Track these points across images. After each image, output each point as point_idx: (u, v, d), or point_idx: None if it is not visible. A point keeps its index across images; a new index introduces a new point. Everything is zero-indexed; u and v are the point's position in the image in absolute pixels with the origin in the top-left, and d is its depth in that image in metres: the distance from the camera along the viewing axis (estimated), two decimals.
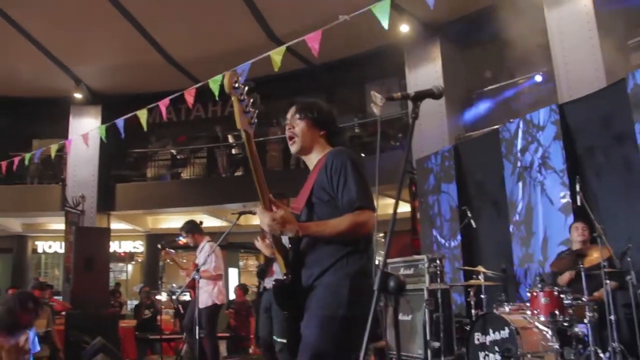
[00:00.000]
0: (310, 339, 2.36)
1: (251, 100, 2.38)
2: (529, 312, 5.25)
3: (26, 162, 9.68)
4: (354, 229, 2.39)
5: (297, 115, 2.71)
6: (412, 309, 6.52)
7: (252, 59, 6.62)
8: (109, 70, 13.26)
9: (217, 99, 6.96)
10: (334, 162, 2.52)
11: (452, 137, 10.31)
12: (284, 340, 3.36)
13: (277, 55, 6.32)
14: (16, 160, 9.57)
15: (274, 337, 4.99)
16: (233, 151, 14.55)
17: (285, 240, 2.59)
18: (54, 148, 9.18)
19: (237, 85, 2.33)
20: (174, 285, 14.72)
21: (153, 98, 8.04)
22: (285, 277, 2.52)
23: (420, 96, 2.21)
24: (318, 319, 2.38)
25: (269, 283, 4.10)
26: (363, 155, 12.20)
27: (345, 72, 13.14)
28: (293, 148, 2.73)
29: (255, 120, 2.40)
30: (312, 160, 2.72)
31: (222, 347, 9.23)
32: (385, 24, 5.56)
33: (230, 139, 14.34)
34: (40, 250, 17.76)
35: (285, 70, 10.94)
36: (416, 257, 6.99)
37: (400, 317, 6.51)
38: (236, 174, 14.24)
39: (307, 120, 2.70)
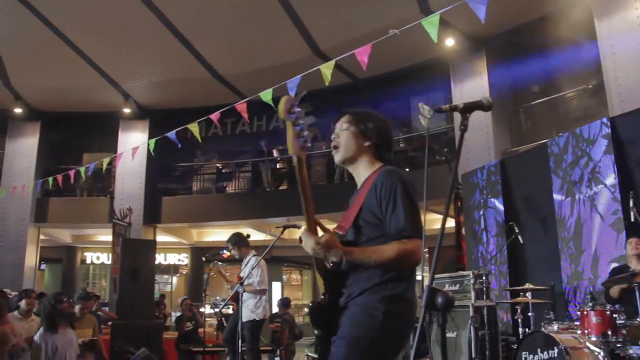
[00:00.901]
0: (338, 357, 2.30)
1: (307, 123, 2.29)
2: (579, 332, 5.07)
3: (82, 176, 9.94)
4: (400, 259, 2.29)
5: (345, 125, 2.63)
6: (457, 326, 6.40)
7: (297, 73, 6.64)
8: (156, 86, 13.55)
9: (273, 108, 6.97)
10: (384, 183, 2.41)
11: (498, 152, 10.15)
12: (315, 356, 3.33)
13: (327, 69, 6.32)
14: (72, 173, 9.84)
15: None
16: (277, 165, 14.65)
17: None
18: (106, 161, 9.42)
19: (292, 110, 2.25)
20: (218, 297, 14.85)
21: (199, 112, 8.16)
22: (322, 298, 2.47)
23: (469, 108, 2.15)
24: (348, 338, 2.31)
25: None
26: (408, 170, 12.15)
27: (390, 86, 13.10)
28: (336, 158, 2.64)
29: (309, 145, 2.32)
30: (360, 173, 2.62)
31: None
32: (434, 37, 5.51)
33: (275, 154, 14.45)
34: (88, 261, 18.23)
35: (330, 84, 11.03)
36: (462, 273, 6.88)
37: (446, 334, 6.39)
38: (280, 187, 14.33)
39: (353, 130, 2.60)
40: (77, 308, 6.44)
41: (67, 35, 11.96)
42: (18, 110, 14.28)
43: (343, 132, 2.62)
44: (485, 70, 10.67)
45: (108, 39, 11.97)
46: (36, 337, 5.51)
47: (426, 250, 11.61)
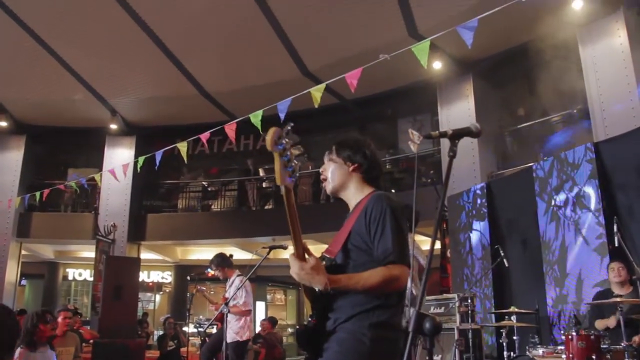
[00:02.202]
0: None
1: (295, 153, 2.30)
2: (564, 356, 5.08)
3: (75, 189, 9.87)
4: (385, 284, 2.31)
5: (327, 157, 2.70)
6: (442, 349, 6.39)
7: (285, 92, 6.69)
8: (144, 102, 13.53)
9: (260, 132, 6.96)
10: (374, 209, 2.45)
11: (484, 175, 10.21)
12: None
13: (317, 92, 6.38)
14: (62, 187, 9.78)
15: None
16: (264, 184, 14.63)
17: None
18: (98, 177, 9.37)
19: (280, 141, 2.25)
20: (202, 317, 14.72)
21: (187, 130, 8.17)
22: (309, 321, 2.47)
23: (458, 135, 2.21)
24: None
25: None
26: (394, 191, 12.18)
27: (377, 108, 13.19)
28: (327, 190, 2.72)
29: (297, 174, 2.34)
30: (351, 199, 2.67)
31: None
32: (424, 63, 5.59)
33: (262, 172, 14.44)
34: (70, 278, 18.01)
35: (318, 105, 11.09)
36: (447, 295, 6.89)
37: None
38: (266, 207, 14.29)
39: (337, 159, 2.66)
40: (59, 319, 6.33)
41: (55, 48, 11.91)
42: (3, 124, 14.12)
43: (329, 164, 2.69)
44: (471, 93, 10.78)
45: (96, 53, 11.94)
46: (15, 356, 5.41)
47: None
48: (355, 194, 2.64)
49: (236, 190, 15.06)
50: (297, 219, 2.37)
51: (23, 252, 15.10)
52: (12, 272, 14.27)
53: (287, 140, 2.25)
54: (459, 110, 10.83)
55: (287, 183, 2.30)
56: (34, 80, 12.75)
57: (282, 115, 6.46)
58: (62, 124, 14.51)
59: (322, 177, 2.72)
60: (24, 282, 17.17)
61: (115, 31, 11.28)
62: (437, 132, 2.27)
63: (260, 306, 18.13)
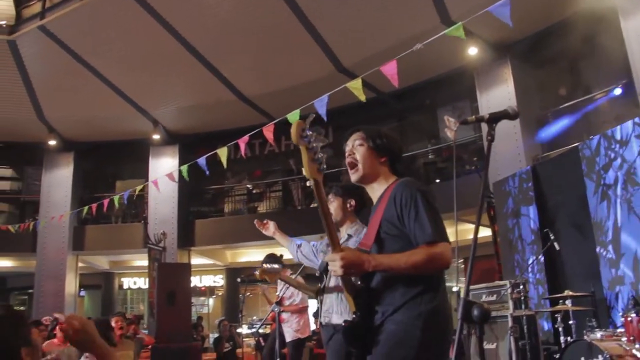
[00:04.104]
0: None
1: (320, 145, 2.29)
2: (624, 339, 4.94)
3: (116, 204, 10.11)
4: (429, 261, 2.26)
5: (358, 142, 2.61)
6: (496, 337, 6.30)
7: (322, 91, 6.67)
8: (184, 111, 13.76)
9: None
10: (403, 194, 2.40)
11: (529, 158, 10.02)
12: None
13: (355, 86, 6.33)
14: (106, 202, 10.03)
15: None
16: (307, 183, 14.65)
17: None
18: (139, 188, 9.58)
19: (304, 133, 2.24)
20: (255, 317, 14.89)
21: (227, 135, 8.26)
22: (354, 317, 2.42)
23: (495, 118, 2.18)
24: (389, 357, 2.28)
25: (325, 318, 3.90)
26: (438, 181, 12.07)
27: (416, 99, 13.08)
28: (354, 176, 2.62)
29: (325, 166, 2.32)
30: (375, 190, 2.61)
31: None
32: (460, 46, 5.51)
33: (304, 172, 14.48)
34: (126, 286, 18.46)
35: (355, 100, 11.04)
36: (499, 282, 6.78)
37: (485, 345, 6.30)
38: (312, 205, 14.34)
39: (369, 146, 2.59)
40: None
41: (95, 67, 12.26)
42: (52, 142, 14.63)
43: (359, 149, 2.60)
44: (510, 77, 10.59)
45: (134, 68, 12.23)
46: None
47: (461, 261, 11.49)
48: (380, 185, 2.59)
49: (280, 190, 15.16)
50: (329, 213, 2.38)
51: (80, 264, 15.60)
52: (71, 284, 14.77)
53: (311, 132, 2.24)
54: (499, 95, 10.65)
55: (317, 176, 2.30)
56: (78, 99, 13.17)
57: (322, 113, 6.44)
58: (107, 139, 14.92)
59: (348, 160, 2.62)
60: (82, 293, 17.67)
61: (151, 45, 11.54)
62: (473, 117, 2.25)
63: (313, 303, 18.23)
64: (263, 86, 12.67)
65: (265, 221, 4.42)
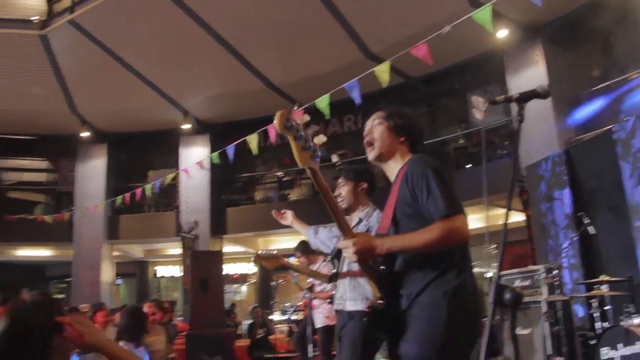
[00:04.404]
0: (414, 359, 2.25)
1: (310, 133, 2.24)
2: None
3: (148, 193, 10.27)
4: (445, 237, 2.19)
5: (378, 121, 2.60)
6: (530, 323, 6.24)
7: (350, 77, 6.66)
8: (213, 100, 13.84)
9: (328, 117, 6.93)
10: (415, 171, 2.36)
11: (562, 141, 9.84)
12: None
13: (383, 71, 6.29)
14: (138, 191, 10.19)
15: None
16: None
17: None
18: (169, 177, 9.70)
19: (289, 123, 2.17)
20: (288, 304, 15.00)
21: (257, 123, 8.29)
22: (379, 302, 2.38)
23: (524, 97, 2.14)
24: (419, 339, 2.24)
25: (338, 305, 3.81)
26: (469, 166, 11.95)
27: (445, 83, 12.94)
28: (371, 155, 2.59)
29: (319, 153, 2.28)
30: (392, 169, 2.56)
31: None
32: (489, 28, 5.43)
33: (334, 159, 14.47)
34: (160, 274, 18.75)
35: (383, 86, 10.98)
36: (532, 267, 6.69)
37: (519, 331, 6.24)
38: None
39: (387, 125, 2.57)
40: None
41: (125, 58, 12.41)
42: (85, 134, 14.89)
43: (377, 128, 2.59)
44: (541, 59, 10.38)
45: (163, 59, 12.34)
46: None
47: (494, 246, 11.37)
48: (397, 163, 2.55)
49: (309, 178, 15.14)
50: (333, 199, 2.34)
51: (115, 253, 15.91)
52: (106, 272, 15.09)
53: (297, 121, 2.18)
54: (530, 78, 10.45)
55: (311, 164, 2.26)
56: (109, 91, 13.36)
57: (355, 96, 6.41)
58: (139, 129, 15.13)
59: (366, 140, 2.60)
60: (118, 281, 17.99)
61: (179, 36, 11.63)
62: (502, 96, 2.20)
63: None
64: (291, 74, 12.68)
65: (282, 211, 4.44)
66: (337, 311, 3.84)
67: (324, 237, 4.21)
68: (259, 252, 4.81)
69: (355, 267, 3.20)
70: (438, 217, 2.22)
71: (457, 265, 2.29)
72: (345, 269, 3.71)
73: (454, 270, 2.28)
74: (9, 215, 14.91)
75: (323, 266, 6.80)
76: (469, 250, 2.38)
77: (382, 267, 2.40)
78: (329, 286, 6.67)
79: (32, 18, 12.34)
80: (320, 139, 2.28)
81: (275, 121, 2.15)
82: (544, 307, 5.98)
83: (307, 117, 2.26)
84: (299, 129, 2.20)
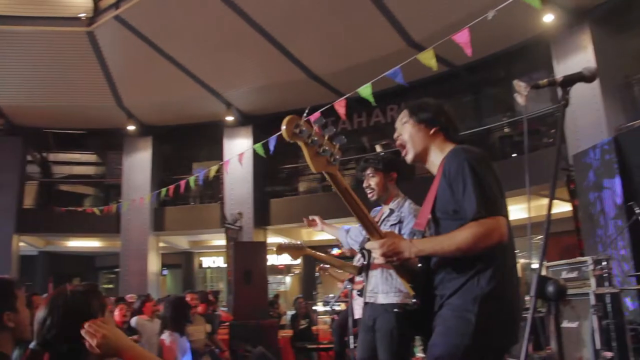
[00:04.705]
0: None
1: (325, 137, 2.13)
2: None
3: (192, 185, 10.42)
4: (476, 242, 2.06)
5: (404, 120, 2.49)
6: (577, 316, 6.09)
7: (393, 66, 6.56)
8: (256, 92, 13.92)
9: (373, 104, 6.85)
10: (452, 166, 2.22)
11: (612, 129, 9.53)
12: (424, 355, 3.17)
13: (427, 57, 6.18)
14: (183, 183, 10.34)
15: None
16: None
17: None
18: (213, 169, 9.80)
19: (298, 129, 2.05)
20: (331, 295, 15.03)
21: (299, 114, 8.23)
22: (413, 302, 2.31)
23: (569, 80, 2.02)
24: (442, 346, 2.14)
25: (370, 298, 3.72)
26: (515, 155, 11.70)
27: (490, 71, 12.69)
28: (408, 158, 2.49)
29: (337, 157, 2.16)
30: (434, 164, 2.42)
31: None
32: (537, 6, 5.25)
33: (378, 149, 14.40)
34: (205, 265, 19.03)
35: (426, 75, 10.84)
36: (580, 259, 6.52)
37: (566, 324, 6.09)
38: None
39: (413, 122, 2.45)
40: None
41: (169, 52, 12.59)
42: (131, 128, 15.19)
43: (405, 127, 2.48)
44: (590, 44, 10.04)
45: (206, 51, 12.46)
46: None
47: (539, 238, 11.13)
48: (436, 157, 2.41)
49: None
50: (355, 200, 2.23)
51: (161, 244, 16.23)
52: (153, 263, 15.40)
53: (307, 126, 2.06)
54: (577, 63, 10.13)
55: (328, 169, 2.14)
56: (154, 85, 13.58)
57: (400, 81, 6.32)
58: (183, 122, 15.36)
59: (397, 143, 2.50)
60: (164, 272, 18.36)
61: (221, 28, 11.72)
62: (545, 80, 2.09)
63: None
64: (333, 64, 12.63)
65: (311, 218, 4.40)
66: (367, 304, 3.76)
67: (355, 234, 4.14)
68: (282, 243, 4.81)
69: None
70: (471, 219, 2.10)
71: (493, 267, 2.16)
72: (377, 261, 3.65)
73: (488, 272, 2.14)
74: (60, 207, 15.39)
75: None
76: (510, 249, 2.25)
77: (419, 265, 2.31)
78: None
79: (80, 15, 12.63)
80: (336, 139, 2.16)
81: (283, 127, 2.06)
82: (593, 300, 5.82)
83: (321, 120, 2.15)
84: (311, 134, 2.09)
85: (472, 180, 2.14)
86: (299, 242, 4.84)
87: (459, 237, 2.09)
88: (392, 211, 3.73)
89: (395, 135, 2.52)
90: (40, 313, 1.92)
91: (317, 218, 4.33)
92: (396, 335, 3.43)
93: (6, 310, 2.27)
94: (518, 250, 2.38)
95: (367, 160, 3.90)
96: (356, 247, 4.16)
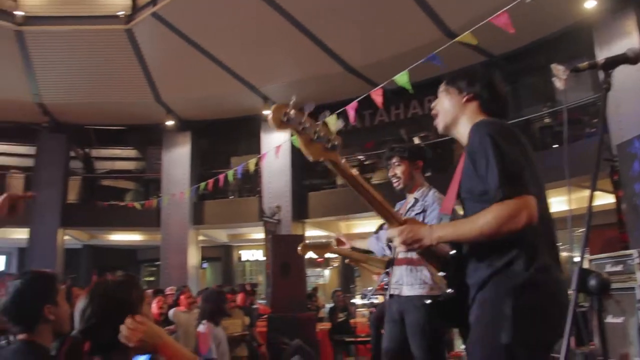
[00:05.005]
0: None
1: (318, 122, 2.03)
2: None
3: (230, 179, 10.52)
4: (500, 225, 1.87)
5: (441, 89, 2.34)
6: (623, 311, 5.92)
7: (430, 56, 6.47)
8: (292, 85, 13.91)
9: (411, 91, 6.74)
10: (473, 142, 2.02)
11: None
12: None
13: (467, 38, 6.07)
14: (221, 177, 10.45)
15: None
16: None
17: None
18: (252, 163, 9.87)
19: (286, 117, 1.95)
20: (369, 288, 15.00)
21: (337, 107, 8.23)
22: (448, 291, 2.17)
23: (611, 63, 1.90)
24: (478, 346, 1.98)
25: (394, 290, 3.63)
26: (556, 145, 11.44)
27: (529, 60, 12.41)
28: (438, 127, 2.34)
29: (336, 142, 2.05)
30: (463, 135, 2.21)
31: None
32: None
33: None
34: (244, 259, 19.20)
35: (466, 63, 10.66)
36: (625, 252, 6.35)
37: (611, 319, 5.94)
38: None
39: (449, 91, 2.29)
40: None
41: (206, 47, 12.70)
42: (170, 123, 15.39)
43: (440, 97, 2.33)
44: (635, 29, 9.70)
45: (242, 46, 12.52)
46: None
47: (581, 230, 10.85)
48: (465, 129, 2.18)
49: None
50: (365, 186, 2.13)
51: (200, 237, 16.43)
52: (193, 256, 15.62)
53: (296, 113, 1.96)
54: (621, 50, 9.79)
55: (327, 155, 2.03)
56: (192, 80, 13.71)
57: (439, 63, 6.22)
58: (221, 117, 15.48)
59: (433, 112, 2.34)
60: (204, 265, 18.58)
61: (257, 22, 11.77)
62: (586, 63, 1.94)
63: None
64: (369, 56, 12.55)
65: (337, 238, 4.37)
66: (392, 296, 3.68)
67: (384, 236, 4.06)
68: (307, 241, 4.80)
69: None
70: (494, 199, 1.91)
71: (528, 252, 1.95)
72: (402, 254, 3.55)
73: (523, 259, 1.95)
74: (102, 202, 15.73)
75: None
76: (549, 232, 2.05)
77: (452, 252, 2.18)
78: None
79: (118, 13, 12.85)
80: (330, 121, 2.08)
81: (270, 117, 1.97)
82: (639, 295, 5.66)
83: (311, 106, 2.06)
84: (301, 121, 1.99)
85: (494, 156, 1.94)
86: (323, 240, 4.83)
87: (481, 221, 1.91)
88: (416, 200, 3.68)
89: (432, 104, 2.38)
90: (80, 303, 1.96)
91: (342, 237, 4.29)
92: (428, 330, 3.35)
93: (47, 304, 2.34)
94: (560, 243, 2.21)
95: (393, 149, 3.83)
96: (388, 252, 4.09)
